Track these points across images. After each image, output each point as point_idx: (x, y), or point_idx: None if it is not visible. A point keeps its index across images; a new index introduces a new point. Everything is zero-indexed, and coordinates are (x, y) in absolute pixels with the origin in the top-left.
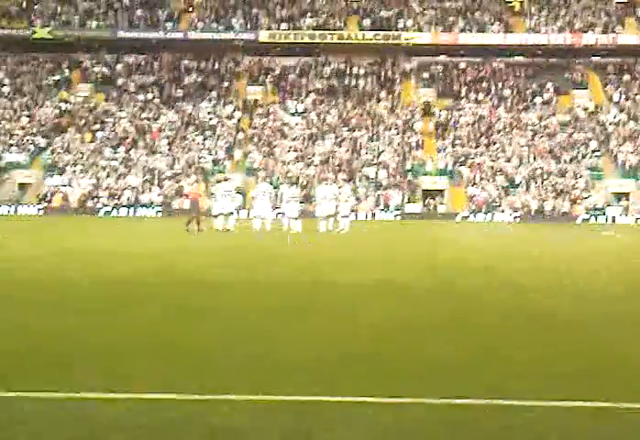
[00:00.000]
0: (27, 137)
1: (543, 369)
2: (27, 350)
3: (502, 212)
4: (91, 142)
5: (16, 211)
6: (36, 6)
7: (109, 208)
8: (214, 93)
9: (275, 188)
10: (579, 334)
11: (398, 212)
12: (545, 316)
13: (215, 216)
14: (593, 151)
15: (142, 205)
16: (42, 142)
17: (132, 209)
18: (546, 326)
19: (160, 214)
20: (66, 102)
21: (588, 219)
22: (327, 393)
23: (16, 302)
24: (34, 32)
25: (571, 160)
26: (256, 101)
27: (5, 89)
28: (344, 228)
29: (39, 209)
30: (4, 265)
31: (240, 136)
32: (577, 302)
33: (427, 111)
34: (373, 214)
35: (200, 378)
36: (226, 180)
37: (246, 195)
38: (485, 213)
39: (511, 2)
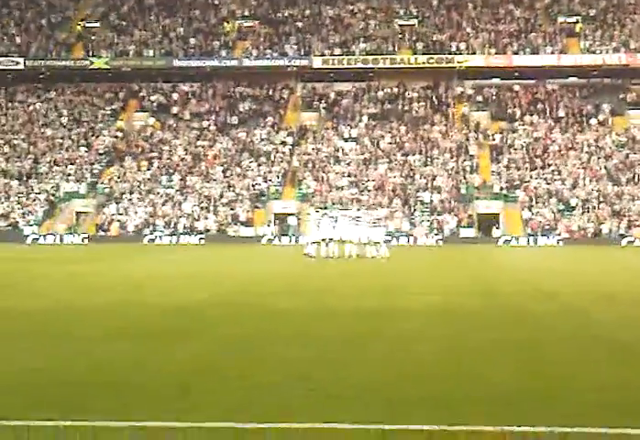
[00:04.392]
0: (85, 167)
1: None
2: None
3: (559, 235)
4: (147, 170)
5: (61, 240)
6: (93, 37)
7: (153, 236)
8: (268, 120)
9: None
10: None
11: (451, 236)
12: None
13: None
14: None
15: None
16: (99, 171)
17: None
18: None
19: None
20: (123, 131)
21: None
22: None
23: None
24: (91, 63)
25: (628, 182)
26: (309, 126)
27: (64, 119)
28: (386, 253)
29: (84, 238)
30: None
31: (294, 161)
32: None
33: (482, 134)
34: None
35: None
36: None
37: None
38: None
39: (567, 22)
